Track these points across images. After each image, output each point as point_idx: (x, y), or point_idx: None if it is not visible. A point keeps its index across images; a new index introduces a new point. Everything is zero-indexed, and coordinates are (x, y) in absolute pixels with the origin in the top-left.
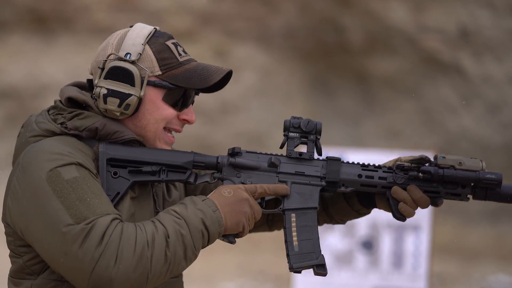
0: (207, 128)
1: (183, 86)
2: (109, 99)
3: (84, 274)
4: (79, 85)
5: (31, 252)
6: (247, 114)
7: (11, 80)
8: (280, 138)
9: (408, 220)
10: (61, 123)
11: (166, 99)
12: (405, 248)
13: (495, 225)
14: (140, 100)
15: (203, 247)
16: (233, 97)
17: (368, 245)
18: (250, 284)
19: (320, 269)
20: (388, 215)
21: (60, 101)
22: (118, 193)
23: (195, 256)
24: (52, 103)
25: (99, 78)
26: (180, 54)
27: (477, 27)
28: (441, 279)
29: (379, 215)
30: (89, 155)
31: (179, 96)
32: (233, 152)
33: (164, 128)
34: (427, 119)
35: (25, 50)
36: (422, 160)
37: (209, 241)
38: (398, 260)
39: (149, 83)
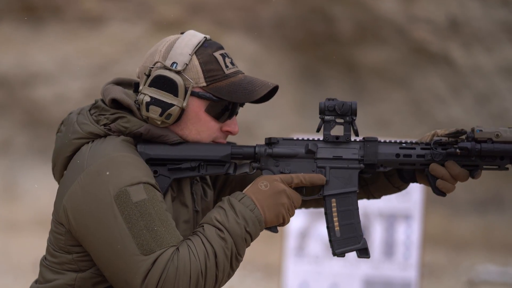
0: None
1: (226, 99)
2: (151, 107)
3: None
4: (121, 82)
5: (83, 251)
6: None
7: (0, 69)
8: (270, 129)
9: (399, 209)
10: (104, 124)
11: (209, 111)
12: (396, 237)
13: (484, 216)
14: (183, 110)
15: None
16: None
17: None
18: (238, 273)
19: (363, 253)
20: (379, 204)
21: (102, 100)
22: (161, 192)
23: (240, 261)
24: (41, 92)
25: (144, 85)
26: (227, 66)
27: (467, 18)
28: (429, 269)
29: (371, 204)
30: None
31: (222, 108)
32: (270, 142)
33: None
34: (416, 109)
35: (14, 38)
36: (458, 134)
37: (252, 241)
38: (389, 249)
39: (193, 94)
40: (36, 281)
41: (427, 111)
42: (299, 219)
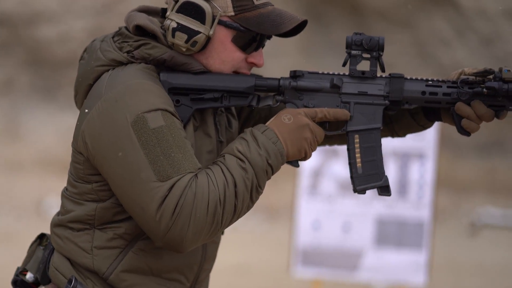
0: None
1: (254, 30)
2: (177, 33)
3: (158, 234)
4: (146, 10)
5: (102, 180)
6: None
7: (4, 8)
8: (273, 70)
9: (413, 148)
10: (127, 52)
11: (236, 41)
12: (409, 176)
13: (486, 159)
14: (209, 39)
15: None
16: None
17: None
18: (250, 211)
19: (384, 190)
20: (393, 143)
21: (126, 27)
22: (181, 121)
23: (260, 193)
24: (44, 31)
25: (171, 10)
26: None
27: None
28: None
29: (385, 143)
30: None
31: (250, 39)
32: (295, 75)
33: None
34: (420, 51)
35: None
36: (486, 73)
37: (273, 174)
38: (402, 189)
39: (220, 23)
40: (58, 213)
41: (431, 53)
42: (312, 157)
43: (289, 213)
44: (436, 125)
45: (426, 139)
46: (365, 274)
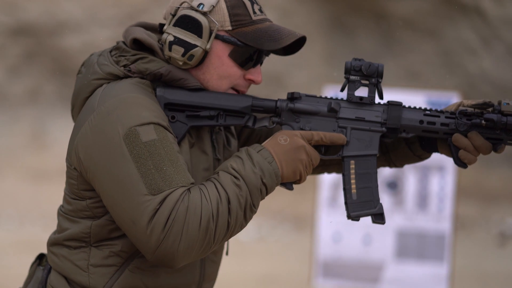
0: None
1: (251, 45)
2: (174, 47)
3: (149, 248)
4: (145, 26)
5: (96, 196)
6: None
7: (29, 17)
8: (299, 78)
9: (432, 160)
10: (124, 66)
11: (233, 56)
12: (430, 188)
13: None
14: (206, 53)
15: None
16: None
17: (393, 185)
18: (268, 223)
19: (378, 218)
20: None
21: (124, 42)
22: (175, 136)
23: (254, 212)
24: (69, 41)
25: (169, 24)
26: (255, 12)
27: None
28: (460, 222)
29: None
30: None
31: (247, 55)
32: (292, 97)
33: (232, 89)
34: (447, 60)
35: None
36: (485, 105)
37: (267, 194)
38: (422, 201)
39: (217, 37)
40: (54, 232)
41: (457, 62)
42: None
43: (309, 225)
44: None
45: None
46: (386, 286)
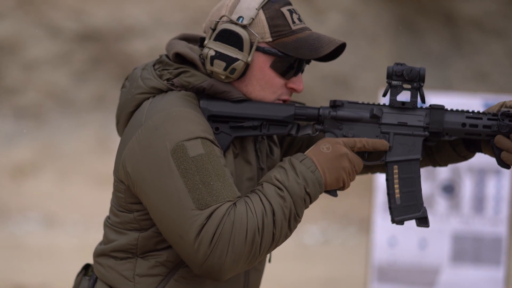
0: None
1: (292, 55)
2: (216, 61)
3: (196, 262)
4: (187, 38)
5: (143, 209)
6: None
7: (95, 23)
8: (366, 80)
9: (489, 163)
10: (167, 79)
11: (274, 67)
12: (486, 192)
13: None
14: (248, 65)
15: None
16: None
17: (449, 189)
18: (333, 227)
19: (423, 222)
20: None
21: (167, 55)
22: (221, 148)
23: (299, 222)
24: (135, 46)
25: (209, 39)
26: (294, 22)
27: None
28: None
29: None
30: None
31: (288, 64)
32: (335, 104)
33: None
34: None
35: None
36: None
37: (311, 203)
38: (479, 205)
39: (258, 49)
40: (100, 243)
41: None
42: None
43: (367, 229)
44: None
45: None
46: None
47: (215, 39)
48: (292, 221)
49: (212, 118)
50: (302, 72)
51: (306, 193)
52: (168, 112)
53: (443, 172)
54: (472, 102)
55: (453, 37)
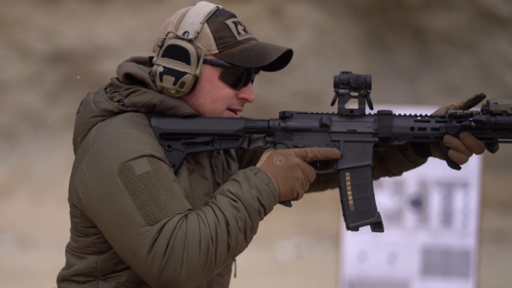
0: (263, 87)
1: (239, 65)
2: (165, 77)
3: (152, 277)
4: (137, 60)
5: (100, 233)
6: (303, 72)
7: (66, 43)
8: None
9: (456, 177)
10: (118, 101)
11: (223, 78)
12: (454, 205)
13: None
14: (197, 79)
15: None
16: None
17: (417, 203)
18: (307, 242)
19: (377, 227)
20: (437, 173)
21: (117, 78)
22: (173, 166)
23: (254, 233)
24: (107, 66)
25: (157, 56)
26: (239, 33)
27: None
28: (500, 235)
29: (428, 173)
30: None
31: (237, 75)
32: (284, 116)
33: (227, 109)
34: (485, 74)
35: (80, 13)
36: (478, 98)
37: (265, 214)
38: (447, 218)
39: (206, 62)
40: (63, 268)
41: (496, 75)
42: None
43: (337, 244)
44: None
45: (470, 167)
46: None
47: (163, 55)
48: (248, 232)
49: (164, 136)
50: (252, 82)
51: (260, 204)
52: (113, 134)
53: (411, 187)
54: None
55: (422, 51)
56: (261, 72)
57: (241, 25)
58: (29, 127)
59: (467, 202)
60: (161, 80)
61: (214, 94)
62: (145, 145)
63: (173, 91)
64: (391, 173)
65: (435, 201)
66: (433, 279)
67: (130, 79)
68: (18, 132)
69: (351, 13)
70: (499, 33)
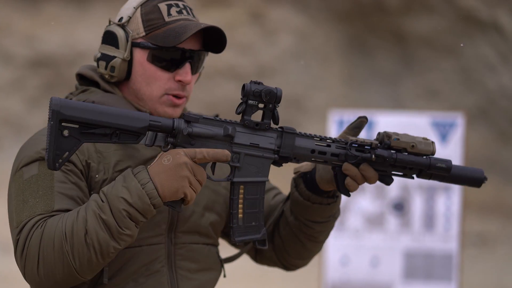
0: None
1: (160, 45)
2: (100, 62)
3: (24, 278)
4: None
5: None
6: (284, 77)
7: (47, 49)
8: (318, 100)
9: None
10: None
11: (151, 60)
12: (436, 209)
13: None
14: (130, 63)
15: (139, 222)
16: (270, 60)
17: (399, 207)
18: None
19: (261, 243)
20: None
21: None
22: (67, 153)
23: (127, 236)
24: None
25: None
26: (169, 15)
27: None
28: (482, 238)
29: None
30: None
31: (168, 57)
32: (190, 119)
33: (167, 94)
34: (466, 78)
35: (61, 18)
36: (362, 122)
37: (144, 215)
38: (429, 222)
39: (135, 45)
40: None
41: (477, 79)
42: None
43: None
44: (461, 157)
45: None
46: None
47: (101, 42)
48: (116, 233)
49: (64, 123)
50: (191, 64)
51: (129, 205)
52: (27, 141)
53: (393, 190)
54: (421, 121)
55: (403, 55)
56: (241, 76)
57: (177, 7)
58: (10, 132)
59: (449, 206)
60: (98, 66)
61: (146, 77)
62: (42, 149)
63: (107, 76)
64: (306, 227)
65: (417, 205)
66: (416, 283)
67: (84, 80)
68: (0, 137)
69: (332, 17)
70: (480, 37)
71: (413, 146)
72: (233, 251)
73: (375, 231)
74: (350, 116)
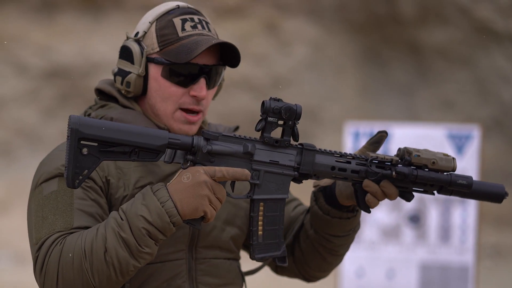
0: (259, 103)
1: (173, 61)
2: (116, 77)
3: None
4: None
5: None
6: (299, 88)
7: (62, 59)
8: (333, 111)
9: None
10: (88, 115)
11: (166, 76)
12: (452, 221)
13: None
14: (145, 78)
15: (159, 240)
16: (285, 71)
17: (415, 219)
18: None
19: (281, 260)
20: None
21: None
22: (86, 171)
23: (147, 254)
24: None
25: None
26: (184, 29)
27: None
28: (498, 250)
29: None
30: None
31: (183, 72)
32: (209, 137)
33: (182, 109)
34: (481, 89)
35: (76, 29)
36: (381, 137)
37: (164, 234)
38: (445, 234)
39: (150, 61)
40: None
41: (492, 90)
42: None
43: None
44: (477, 168)
45: None
46: None
47: (119, 57)
48: (135, 251)
49: (82, 141)
50: (207, 80)
51: (148, 223)
52: (46, 156)
53: (409, 203)
54: (436, 133)
55: (418, 66)
56: (257, 87)
57: (192, 21)
58: (25, 143)
59: (465, 218)
60: (115, 81)
61: (161, 93)
62: (62, 162)
63: (123, 91)
64: (328, 242)
65: (433, 217)
66: None
67: (103, 95)
68: (15, 148)
69: (347, 28)
70: (495, 48)
71: (433, 162)
72: (255, 263)
73: (391, 243)
74: (366, 128)
